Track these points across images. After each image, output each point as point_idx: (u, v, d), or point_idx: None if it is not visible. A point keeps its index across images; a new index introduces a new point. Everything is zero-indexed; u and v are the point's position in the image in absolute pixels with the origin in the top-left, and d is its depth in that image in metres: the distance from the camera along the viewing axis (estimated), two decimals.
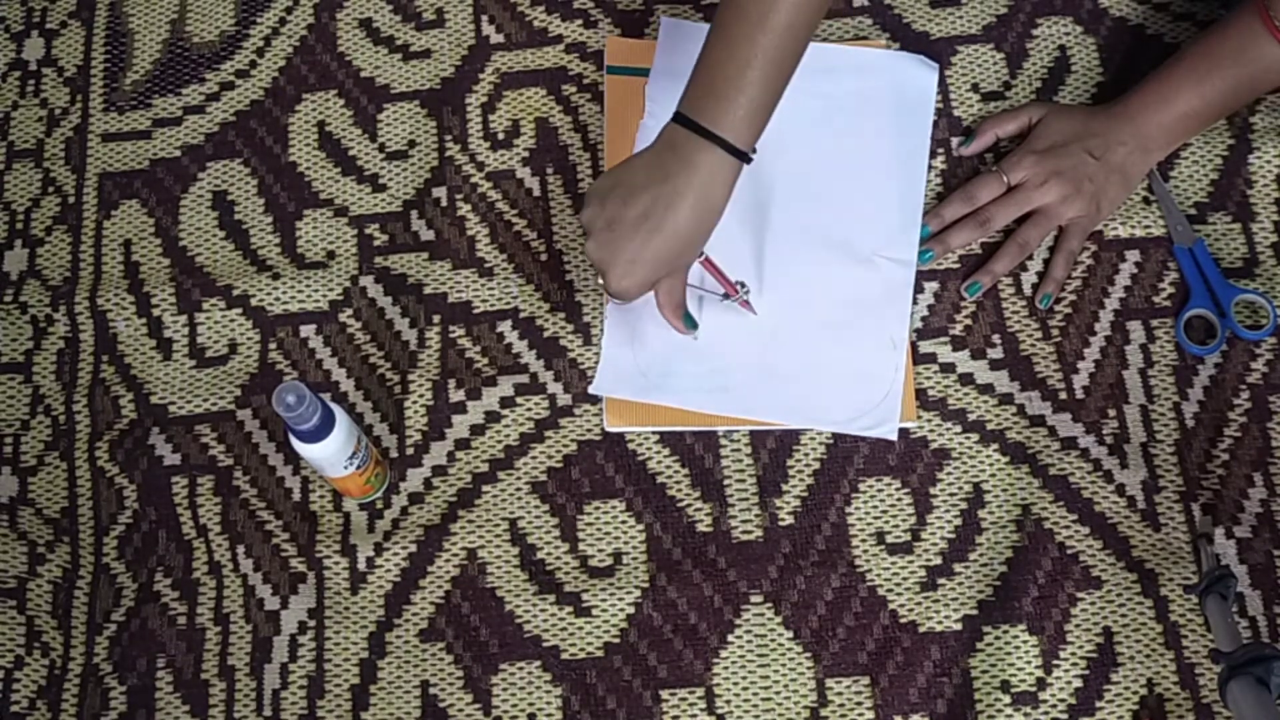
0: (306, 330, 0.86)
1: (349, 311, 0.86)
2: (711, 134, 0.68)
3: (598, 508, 0.80)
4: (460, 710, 0.77)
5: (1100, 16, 0.89)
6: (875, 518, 0.79)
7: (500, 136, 0.89)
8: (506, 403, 0.83)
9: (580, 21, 0.92)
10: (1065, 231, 0.82)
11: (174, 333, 0.87)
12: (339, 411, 0.72)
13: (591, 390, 0.81)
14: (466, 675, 0.78)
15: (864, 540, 0.78)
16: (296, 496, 0.82)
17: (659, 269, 0.71)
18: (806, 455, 0.80)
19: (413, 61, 0.92)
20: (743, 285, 0.80)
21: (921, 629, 0.76)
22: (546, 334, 0.84)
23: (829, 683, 0.76)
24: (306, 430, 0.70)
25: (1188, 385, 0.80)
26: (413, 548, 0.80)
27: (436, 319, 0.85)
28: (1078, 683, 0.75)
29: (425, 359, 0.84)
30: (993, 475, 0.79)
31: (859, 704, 0.75)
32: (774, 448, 0.81)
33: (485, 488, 0.81)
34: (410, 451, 0.82)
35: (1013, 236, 0.82)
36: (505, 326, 0.85)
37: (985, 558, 0.77)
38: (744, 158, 0.69)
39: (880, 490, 0.79)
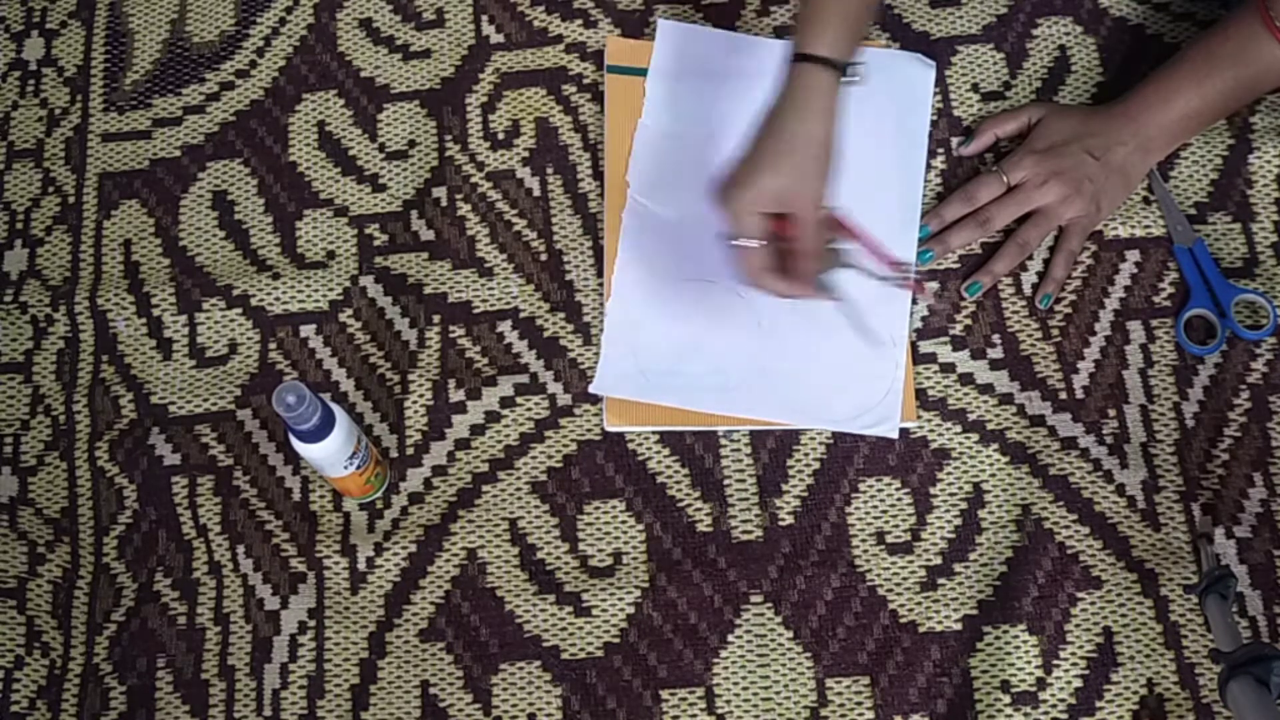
0: (306, 330, 0.86)
1: (349, 311, 0.86)
2: (805, 56, 0.71)
3: (598, 508, 0.80)
4: (460, 710, 0.77)
5: (1100, 16, 0.89)
6: (875, 518, 0.79)
7: (500, 136, 0.89)
8: (506, 403, 0.83)
9: (580, 21, 0.92)
10: (1065, 232, 0.82)
11: (174, 333, 0.87)
12: (339, 411, 0.72)
13: (591, 389, 0.81)
14: (466, 675, 0.78)
15: (864, 540, 0.78)
16: (296, 496, 0.82)
17: (753, 186, 0.71)
18: (806, 455, 0.80)
19: (413, 61, 0.92)
20: (904, 265, 0.76)
21: (921, 629, 0.76)
22: (546, 334, 0.84)
23: (829, 682, 0.76)
24: (306, 430, 0.70)
25: (1188, 385, 0.80)
26: (413, 548, 0.80)
27: (436, 319, 0.85)
28: (1078, 683, 0.75)
29: (425, 359, 0.84)
30: (993, 475, 0.79)
31: (859, 704, 0.75)
32: (774, 448, 0.81)
33: (485, 488, 0.81)
34: (410, 451, 0.82)
35: (1012, 237, 0.82)
36: (505, 326, 0.85)
37: (985, 558, 0.78)
38: (831, 64, 0.71)
39: (880, 490, 0.79)
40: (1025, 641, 0.76)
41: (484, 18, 0.93)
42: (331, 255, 0.88)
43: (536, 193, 0.88)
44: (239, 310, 0.87)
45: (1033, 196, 0.81)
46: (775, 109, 0.72)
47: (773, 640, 0.77)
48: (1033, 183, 0.81)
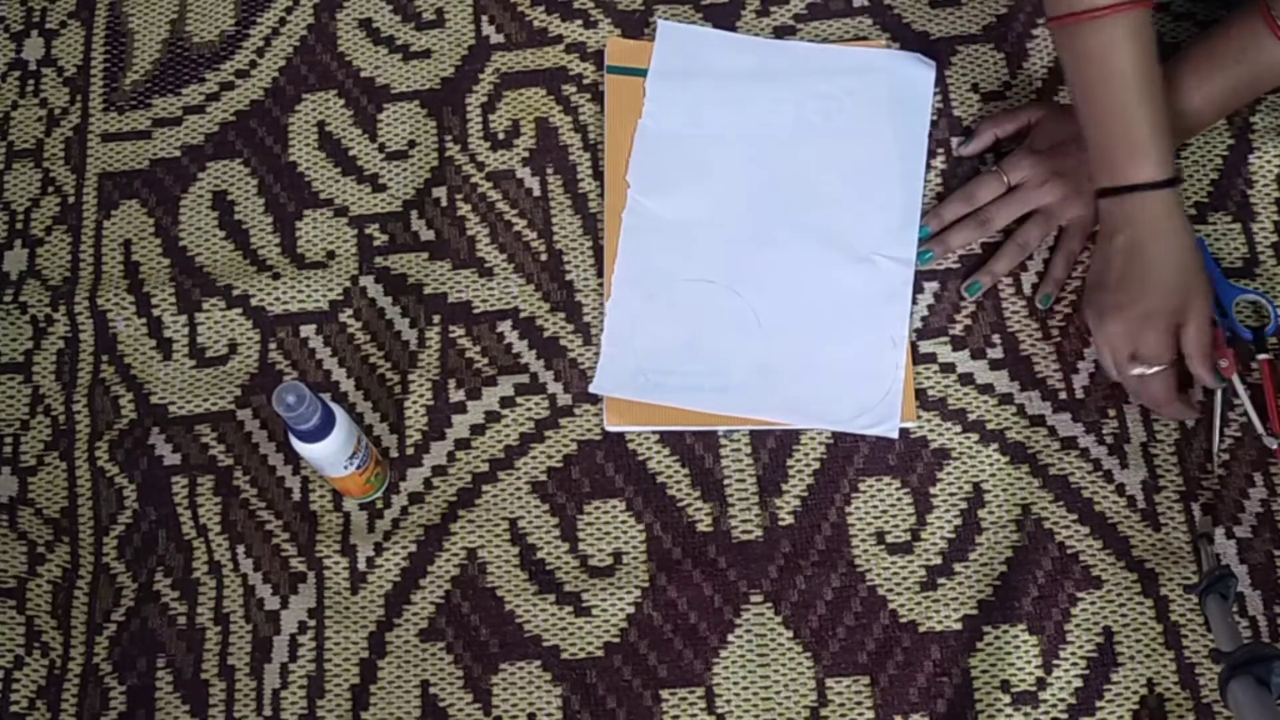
0: (306, 330, 0.86)
1: (349, 311, 0.86)
2: (1138, 186, 0.71)
3: (598, 507, 0.80)
4: (460, 710, 0.77)
5: None
6: (875, 517, 0.79)
7: (500, 136, 0.89)
8: (506, 402, 0.83)
9: (580, 22, 0.92)
10: (1065, 232, 0.82)
11: (174, 333, 0.87)
12: (339, 411, 0.72)
13: (591, 389, 0.81)
14: (466, 675, 0.78)
15: (864, 540, 0.78)
16: (296, 496, 0.82)
17: (1169, 308, 0.73)
18: (806, 455, 0.80)
19: (413, 61, 0.92)
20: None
21: (921, 629, 0.76)
22: (546, 334, 0.84)
23: (829, 682, 0.76)
24: (306, 430, 0.70)
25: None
26: (413, 547, 0.80)
27: (436, 319, 0.85)
28: (1078, 682, 0.75)
29: (425, 359, 0.84)
30: (993, 475, 0.79)
31: (859, 704, 0.75)
32: (774, 447, 0.81)
33: (485, 487, 0.81)
34: (410, 451, 0.82)
35: (1013, 237, 0.82)
36: (505, 326, 0.85)
37: (985, 557, 0.77)
38: (1173, 184, 0.71)
39: (880, 490, 0.79)
40: (1025, 641, 0.76)
41: (484, 18, 0.93)
42: (331, 255, 0.88)
43: (536, 193, 0.88)
44: (239, 310, 0.87)
45: (1032, 197, 0.81)
46: (1131, 243, 0.72)
47: (773, 640, 0.77)
48: (1033, 183, 0.81)
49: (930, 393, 0.81)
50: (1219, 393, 0.78)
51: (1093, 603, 0.76)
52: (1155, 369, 0.74)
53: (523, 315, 0.85)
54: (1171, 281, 0.72)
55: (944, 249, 0.83)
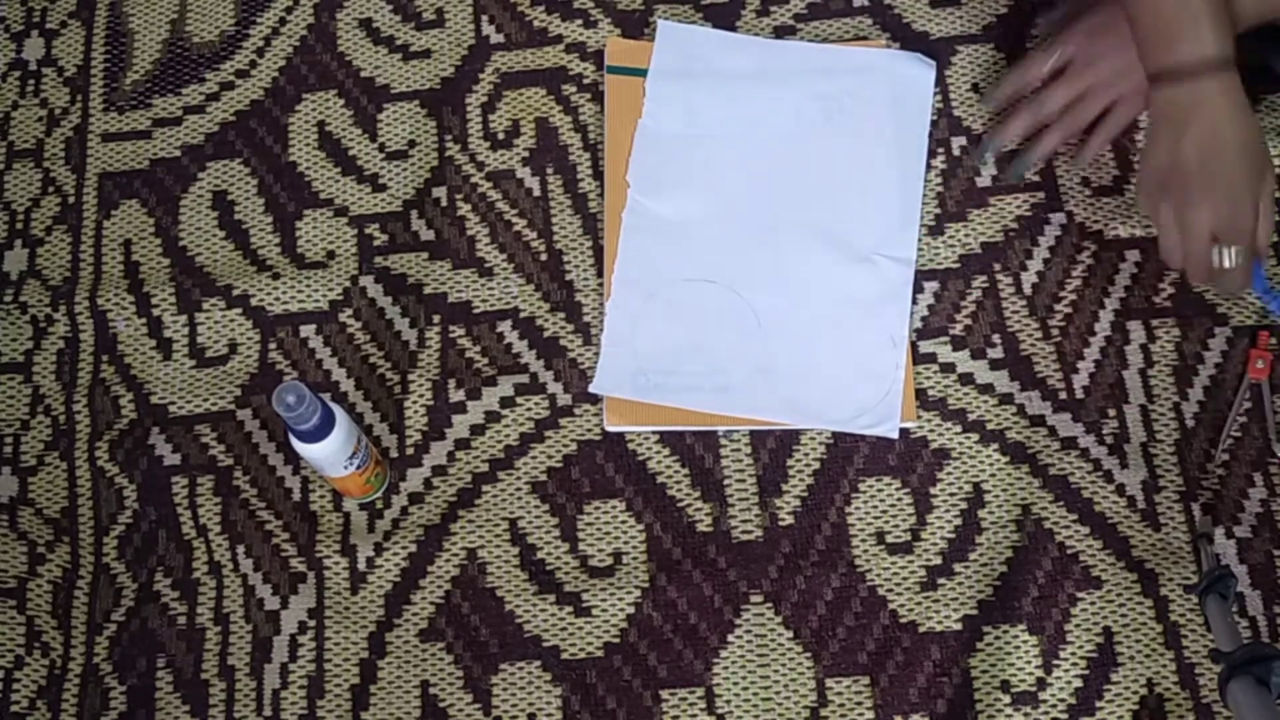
0: (306, 330, 0.86)
1: (349, 311, 0.86)
2: (1195, 67, 0.70)
3: (598, 508, 0.80)
4: (460, 710, 0.77)
5: None
6: (875, 518, 0.79)
7: (500, 136, 0.89)
8: (506, 402, 0.83)
9: (580, 22, 0.92)
10: (1112, 110, 0.81)
11: (174, 333, 0.87)
12: (339, 411, 0.72)
13: (591, 389, 0.81)
14: (466, 675, 0.78)
15: (864, 540, 0.78)
16: (296, 496, 0.82)
17: (1253, 186, 0.71)
18: (806, 455, 0.80)
19: (413, 61, 0.92)
20: None
21: (921, 629, 0.76)
22: (546, 334, 0.84)
23: (829, 682, 0.76)
24: (306, 430, 0.70)
25: (1188, 385, 0.80)
26: (413, 548, 0.80)
27: (436, 319, 0.85)
28: (1078, 683, 0.75)
29: (425, 359, 0.84)
30: (993, 475, 0.79)
31: (859, 704, 0.75)
32: (774, 447, 0.81)
33: (485, 488, 0.81)
34: (410, 451, 0.82)
35: (1065, 112, 0.81)
36: (505, 326, 0.85)
37: (985, 558, 0.78)
38: (1229, 64, 0.70)
39: (880, 490, 0.79)
40: (1025, 641, 0.76)
41: (484, 18, 0.93)
42: (331, 255, 0.88)
43: (536, 193, 0.88)
44: (239, 310, 0.87)
45: (1086, 74, 0.80)
46: (1206, 130, 0.70)
47: (773, 640, 0.77)
48: (1082, 60, 0.80)
49: (930, 393, 0.81)
50: (1243, 386, 0.77)
51: (1093, 603, 0.76)
52: (1239, 249, 0.72)
53: (523, 315, 0.85)
54: (1254, 156, 0.71)
55: (1006, 137, 0.83)
